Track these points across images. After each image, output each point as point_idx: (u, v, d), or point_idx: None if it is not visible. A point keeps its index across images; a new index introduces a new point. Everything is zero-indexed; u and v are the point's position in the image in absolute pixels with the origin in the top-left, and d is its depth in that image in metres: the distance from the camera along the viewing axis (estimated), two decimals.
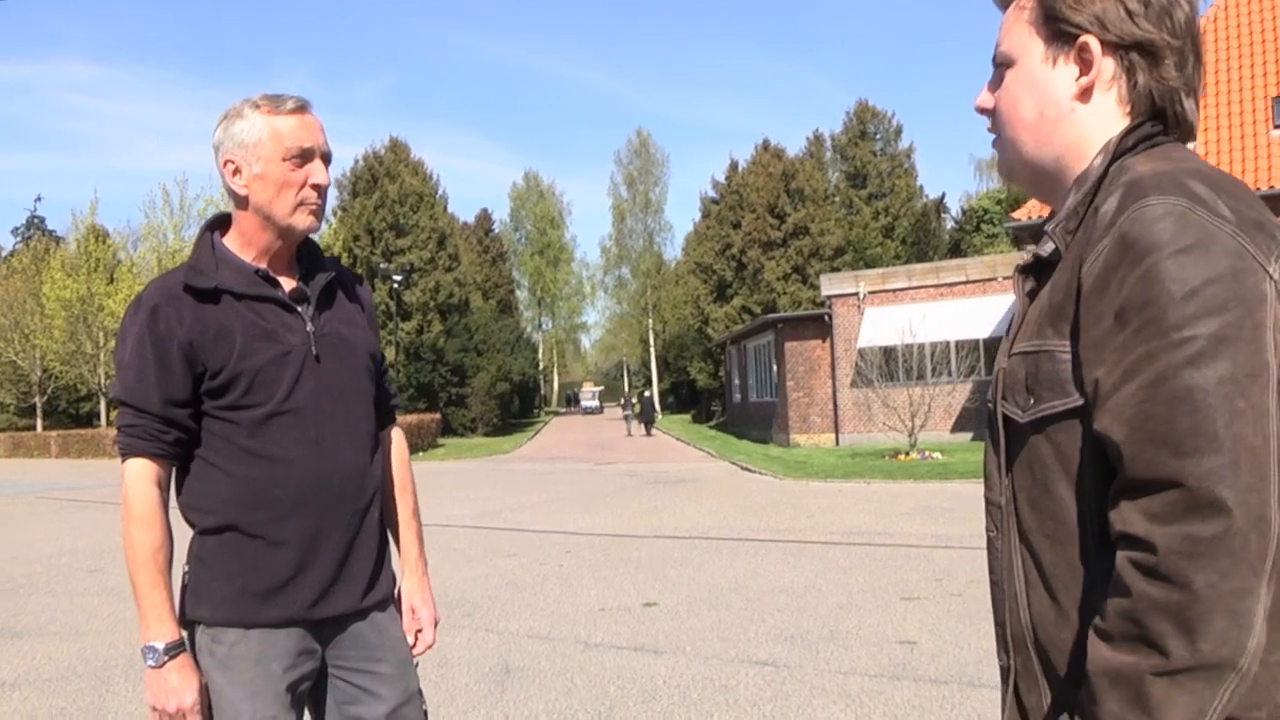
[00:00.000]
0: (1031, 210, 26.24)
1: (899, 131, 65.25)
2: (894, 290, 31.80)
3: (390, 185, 55.69)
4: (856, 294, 32.16)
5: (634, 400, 54.86)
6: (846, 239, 57.01)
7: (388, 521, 2.80)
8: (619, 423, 63.14)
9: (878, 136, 64.97)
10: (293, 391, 2.49)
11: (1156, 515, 1.27)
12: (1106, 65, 1.54)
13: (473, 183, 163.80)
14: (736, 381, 46.73)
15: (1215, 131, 25.31)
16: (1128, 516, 1.30)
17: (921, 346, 30.01)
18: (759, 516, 15.53)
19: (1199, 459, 1.25)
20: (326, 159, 2.56)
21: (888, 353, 30.79)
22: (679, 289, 67.95)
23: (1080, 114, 1.56)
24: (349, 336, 2.65)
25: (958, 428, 29.95)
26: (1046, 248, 1.54)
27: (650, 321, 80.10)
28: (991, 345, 30.04)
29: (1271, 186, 23.19)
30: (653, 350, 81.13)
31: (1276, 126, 25.00)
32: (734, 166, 64.02)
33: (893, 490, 18.83)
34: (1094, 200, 1.48)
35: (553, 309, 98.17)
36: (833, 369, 32.46)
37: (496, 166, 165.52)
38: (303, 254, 2.66)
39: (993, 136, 1.69)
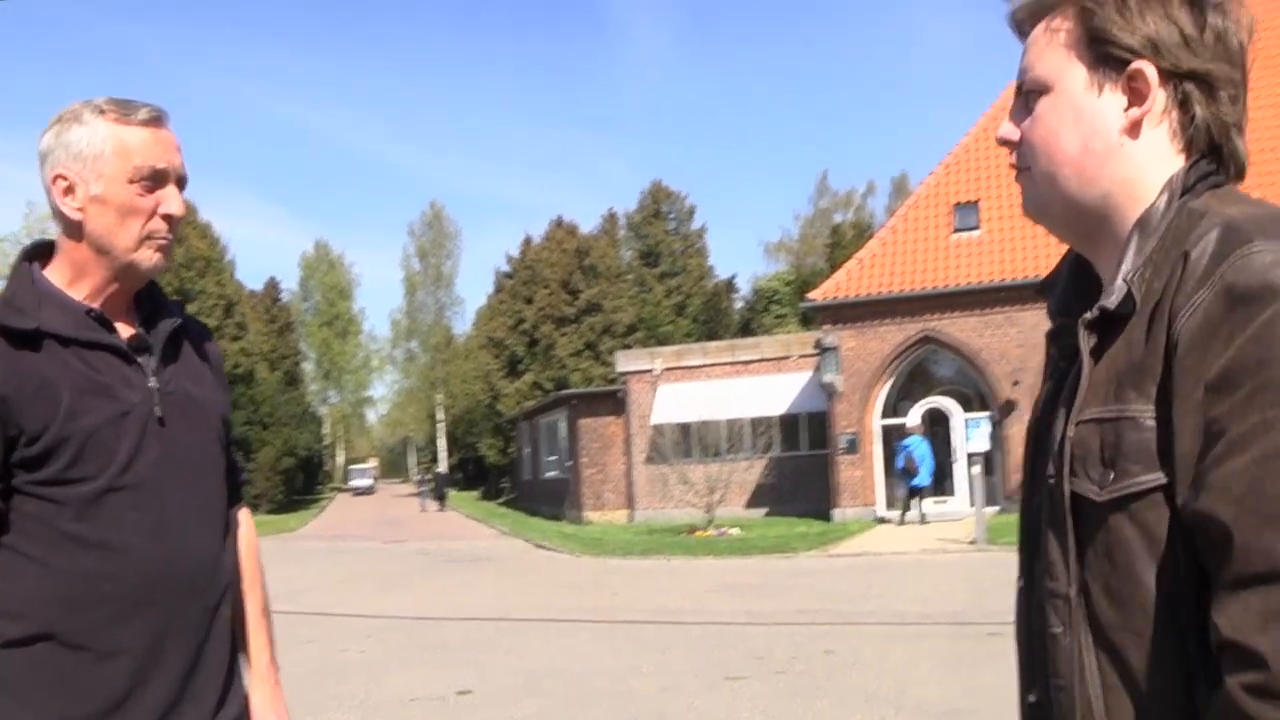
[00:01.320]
0: (829, 291, 26.94)
1: (692, 212, 66.48)
2: (690, 367, 32.11)
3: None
4: (652, 370, 32.31)
5: (429, 476, 54.01)
6: (639, 316, 57.49)
7: (234, 620, 2.27)
8: (405, 500, 61.86)
9: (671, 216, 66.01)
10: (132, 461, 1.98)
11: (1274, 617, 1.08)
12: (1159, 95, 1.36)
13: (261, 249, 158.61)
14: (528, 458, 46.28)
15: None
16: (1236, 620, 1.11)
17: (718, 423, 30.31)
18: (563, 595, 15.17)
19: None
20: (182, 184, 2.10)
21: (685, 429, 30.97)
22: (469, 363, 67.06)
23: (1130, 149, 1.38)
24: (198, 396, 2.16)
25: (753, 504, 30.21)
26: (1114, 300, 1.31)
27: (439, 396, 78.91)
28: (788, 421, 30.57)
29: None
30: (441, 426, 79.89)
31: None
32: (528, 241, 63.92)
33: (695, 567, 18.72)
34: (1164, 243, 1.30)
35: (339, 382, 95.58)
36: (627, 445, 32.43)
37: (286, 233, 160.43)
38: (143, 297, 2.17)
39: (1019, 170, 1.48)
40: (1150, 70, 1.35)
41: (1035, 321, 24.78)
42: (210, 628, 2.10)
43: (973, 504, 20.80)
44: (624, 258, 63.71)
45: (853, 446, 26.33)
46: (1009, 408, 24.99)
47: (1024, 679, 1.48)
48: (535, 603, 14.38)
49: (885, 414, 26.90)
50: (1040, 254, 25.32)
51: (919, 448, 24.47)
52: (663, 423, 31.33)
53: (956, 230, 26.97)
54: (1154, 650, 1.25)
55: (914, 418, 26.26)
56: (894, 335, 26.24)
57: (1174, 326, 1.23)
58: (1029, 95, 1.45)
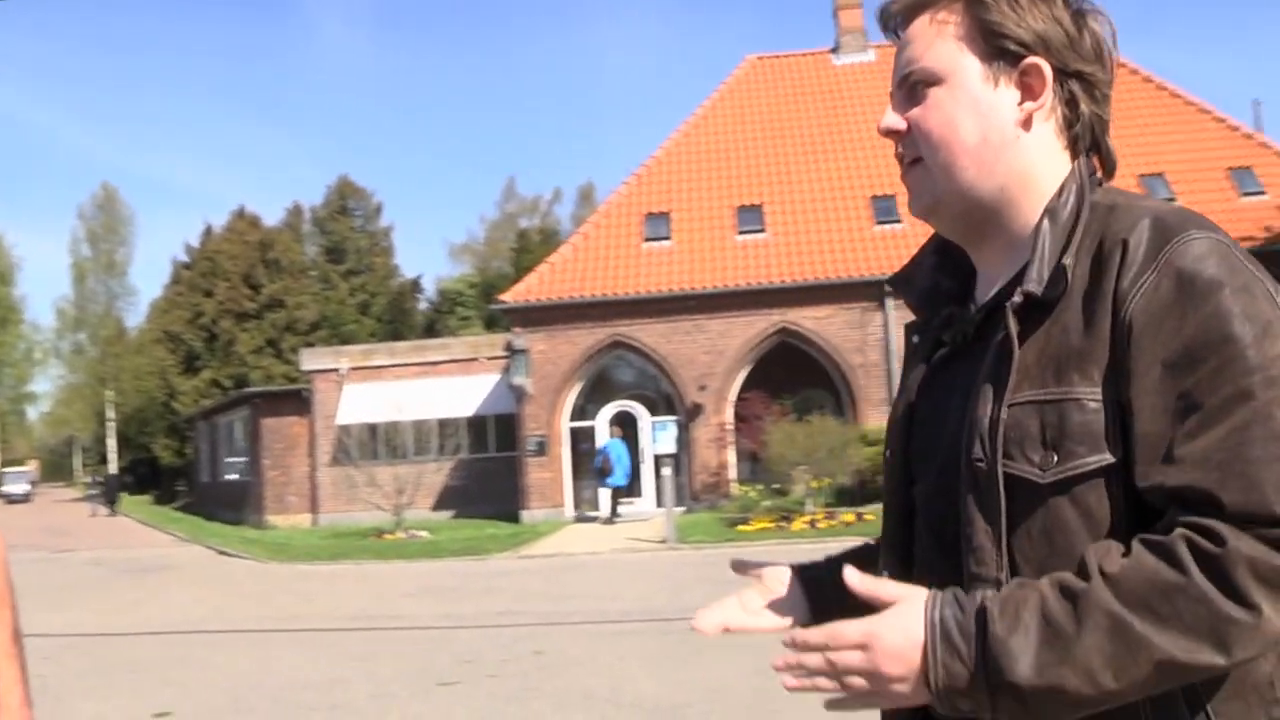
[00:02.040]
0: (520, 294, 27.04)
1: (379, 209, 65.28)
2: (377, 367, 31.50)
3: None
4: (338, 369, 31.51)
5: (99, 478, 50.46)
6: (323, 314, 55.99)
7: None
8: (71, 505, 57.66)
9: (358, 213, 64.60)
10: None
11: (1250, 533, 1.14)
12: (1050, 92, 1.41)
13: None
14: (206, 459, 44.17)
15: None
16: (1211, 524, 1.16)
17: (406, 424, 29.92)
18: (254, 604, 14.57)
19: None
20: None
21: (372, 430, 30.40)
22: (143, 358, 63.13)
23: (1025, 142, 1.42)
24: None
25: (441, 505, 29.95)
26: (1042, 286, 1.33)
27: (109, 393, 74.05)
28: (476, 423, 30.49)
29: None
30: (111, 425, 75.06)
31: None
32: (208, 232, 60.82)
33: (387, 571, 18.39)
34: (1086, 233, 1.35)
35: None
36: (312, 446, 31.49)
37: None
38: None
39: (907, 162, 1.48)
40: (1045, 66, 1.40)
41: (722, 329, 25.82)
42: None
43: (661, 504, 21.39)
44: (309, 253, 61.86)
45: (542, 448, 26.53)
46: (696, 411, 25.86)
47: None
48: (227, 613, 13.74)
49: (574, 417, 27.27)
50: (728, 265, 26.43)
51: (615, 449, 25.07)
52: (349, 423, 30.60)
53: (647, 239, 27.66)
54: None
55: (605, 420, 26.79)
56: (584, 339, 26.63)
57: (1123, 310, 1.26)
58: (916, 86, 1.45)
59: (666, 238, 27.64)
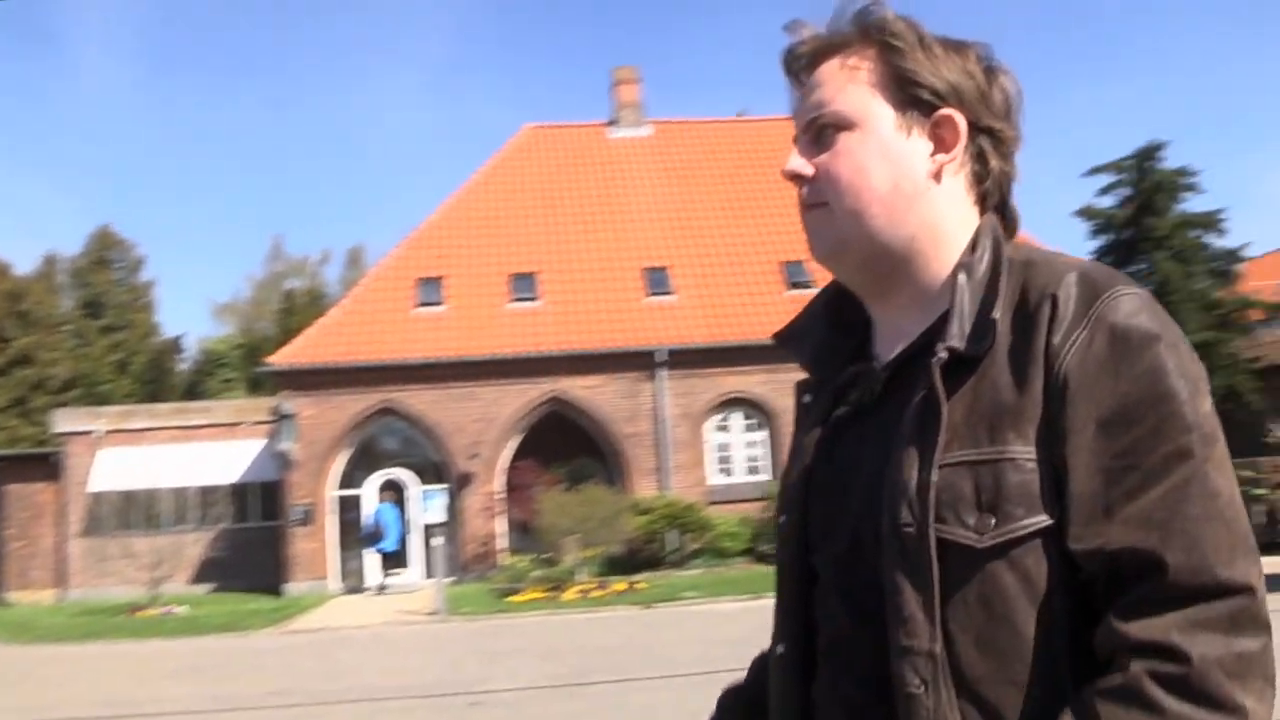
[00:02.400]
0: (287, 357, 26.36)
1: (141, 262, 62.75)
2: (135, 430, 30.11)
3: None
4: (93, 431, 29.99)
5: None
6: (77, 371, 53.26)
7: None
8: None
9: (119, 265, 61.80)
10: None
11: (1202, 625, 1.12)
12: (960, 145, 1.40)
13: None
14: None
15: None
16: (1154, 626, 1.13)
17: (164, 491, 28.69)
18: None
19: (1245, 566, 1.15)
20: None
21: (128, 497, 29.01)
22: None
23: (935, 194, 1.39)
24: None
25: (200, 579, 28.71)
26: (965, 343, 1.29)
27: None
28: (239, 490, 29.45)
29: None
30: None
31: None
32: None
33: (145, 650, 17.49)
34: (1008, 288, 1.31)
35: None
36: (61, 515, 29.78)
37: None
38: None
39: (811, 207, 1.44)
40: (960, 118, 1.38)
41: (494, 397, 25.77)
42: None
43: (431, 575, 21.11)
44: (63, 306, 58.89)
45: (307, 518, 25.80)
46: (466, 480, 25.66)
47: None
48: None
49: (341, 485, 26.68)
50: (501, 332, 26.46)
51: (387, 513, 24.75)
52: (103, 490, 29.12)
53: (420, 304, 27.45)
54: (1032, 701, 1.20)
55: (374, 488, 26.31)
56: (353, 405, 26.14)
57: (1055, 366, 1.22)
58: (824, 130, 1.42)
59: (439, 303, 27.52)
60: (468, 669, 12.31)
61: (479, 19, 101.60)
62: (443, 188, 69.02)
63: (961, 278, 1.33)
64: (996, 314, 1.27)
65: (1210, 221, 28.46)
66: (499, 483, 25.92)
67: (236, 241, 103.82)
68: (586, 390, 26.13)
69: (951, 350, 1.27)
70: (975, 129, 1.39)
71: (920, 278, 1.40)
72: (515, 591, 20.59)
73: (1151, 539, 1.15)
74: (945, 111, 1.38)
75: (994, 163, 1.41)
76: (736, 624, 14.75)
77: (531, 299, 27.67)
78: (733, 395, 26.72)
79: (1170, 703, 1.10)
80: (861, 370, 1.43)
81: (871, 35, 1.42)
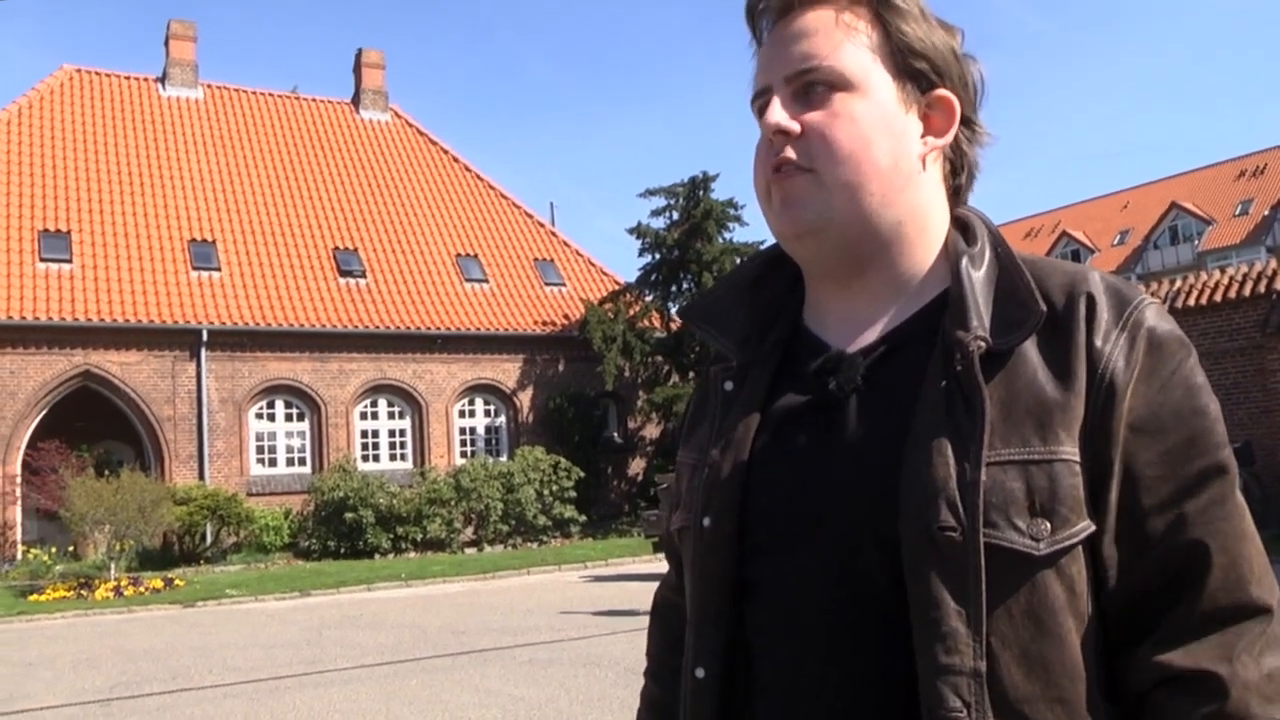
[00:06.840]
0: None
1: None
2: None
3: None
4: None
5: None
6: None
7: None
8: None
9: None
10: None
11: (1238, 649, 1.10)
12: (953, 130, 1.29)
13: None
14: None
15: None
16: (1194, 653, 1.10)
17: None
18: None
19: (1270, 584, 1.13)
20: None
21: None
22: None
23: (922, 179, 1.27)
24: None
25: None
26: (989, 335, 1.18)
27: None
28: None
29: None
30: None
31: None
32: None
33: None
34: (1027, 283, 1.21)
35: None
36: None
37: None
38: None
39: (794, 169, 1.25)
40: (956, 101, 1.27)
41: (15, 367, 23.16)
42: None
43: None
44: None
45: None
46: None
47: None
48: None
49: None
50: (27, 295, 23.68)
51: None
52: None
53: None
54: (1080, 718, 1.13)
55: None
56: None
57: (1099, 368, 1.16)
58: (814, 87, 1.25)
59: None
60: None
61: None
62: None
63: (968, 268, 1.23)
64: (1042, 307, 1.18)
65: (752, 251, 30.45)
66: (16, 465, 23.12)
67: None
68: (121, 367, 23.99)
69: (986, 342, 1.17)
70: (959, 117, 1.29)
71: (898, 265, 1.27)
72: (37, 590, 18.70)
73: (1196, 551, 1.12)
74: (942, 92, 1.27)
75: (970, 156, 1.32)
76: (288, 625, 14.25)
77: (64, 260, 24.99)
78: (277, 382, 25.70)
79: None
80: (844, 356, 1.25)
81: None
